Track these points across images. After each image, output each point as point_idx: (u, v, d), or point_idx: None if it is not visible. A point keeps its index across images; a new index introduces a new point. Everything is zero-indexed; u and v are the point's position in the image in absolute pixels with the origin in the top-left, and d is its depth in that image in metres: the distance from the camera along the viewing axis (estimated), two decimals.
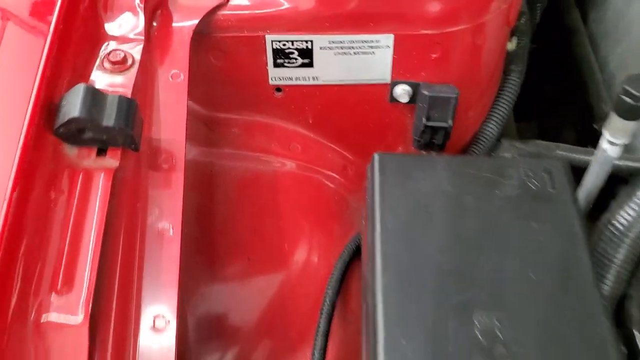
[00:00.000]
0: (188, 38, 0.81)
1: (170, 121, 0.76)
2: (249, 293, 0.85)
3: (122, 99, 0.67)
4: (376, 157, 0.77)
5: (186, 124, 0.76)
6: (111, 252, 0.67)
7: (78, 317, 0.60)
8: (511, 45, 1.02)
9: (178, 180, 0.73)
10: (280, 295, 0.87)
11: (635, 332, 0.87)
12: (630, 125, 0.82)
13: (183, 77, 0.78)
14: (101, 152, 0.69)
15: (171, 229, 0.71)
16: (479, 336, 0.60)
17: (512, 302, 0.63)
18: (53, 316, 0.60)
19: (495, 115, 0.99)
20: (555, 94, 1.47)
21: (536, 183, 0.73)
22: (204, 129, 0.92)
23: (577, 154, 1.01)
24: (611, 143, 0.85)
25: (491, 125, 0.99)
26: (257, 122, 0.94)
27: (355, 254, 0.90)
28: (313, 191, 0.93)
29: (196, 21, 0.82)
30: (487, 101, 0.99)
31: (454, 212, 0.71)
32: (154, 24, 0.83)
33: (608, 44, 1.23)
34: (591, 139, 1.17)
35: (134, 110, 0.68)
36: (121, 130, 0.67)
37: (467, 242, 0.68)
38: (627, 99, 0.78)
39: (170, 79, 0.78)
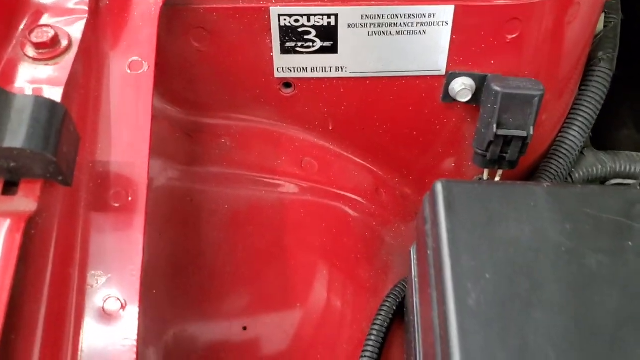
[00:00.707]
0: (156, 9, 0.55)
1: (127, 135, 0.50)
2: None
3: (39, 102, 0.41)
4: (439, 186, 0.51)
5: (152, 137, 0.50)
6: (22, 346, 0.41)
7: None
8: (599, 26, 0.76)
9: (136, 225, 0.48)
10: None
11: None
12: None
13: (147, 68, 0.52)
14: (10, 187, 0.43)
15: (124, 306, 0.45)
16: None
17: None
18: None
19: (580, 118, 0.74)
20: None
21: None
22: (183, 140, 0.66)
23: None
24: None
25: (574, 133, 0.74)
26: (256, 130, 0.68)
27: (397, 314, 0.65)
28: (334, 225, 0.67)
29: None
30: (568, 100, 0.74)
31: (571, 280, 0.45)
32: None
33: None
34: None
35: (61, 121, 0.42)
36: (37, 155, 0.41)
37: (597, 331, 0.43)
38: None
39: (128, 70, 0.52)
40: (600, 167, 0.77)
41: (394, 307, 0.64)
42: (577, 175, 0.76)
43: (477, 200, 0.49)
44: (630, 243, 0.47)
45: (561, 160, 0.73)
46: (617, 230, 0.47)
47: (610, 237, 0.47)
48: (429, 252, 0.49)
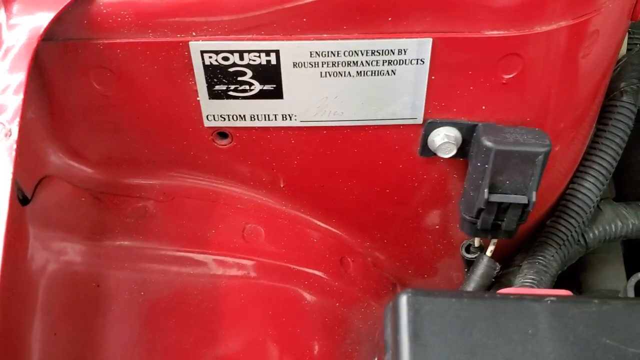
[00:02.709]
0: (27, 54, 0.41)
1: None
2: None
3: None
4: (403, 301, 0.37)
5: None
6: None
7: None
8: (621, 50, 0.62)
9: None
10: None
11: None
12: None
13: (9, 136, 0.38)
14: None
15: None
16: None
17: None
18: None
19: (595, 166, 0.60)
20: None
21: None
22: (89, 205, 0.52)
23: None
24: None
25: (588, 185, 0.60)
26: (186, 189, 0.54)
27: None
28: (284, 313, 0.53)
29: (50, 17, 0.42)
30: (580, 145, 0.59)
31: None
32: None
33: None
34: None
35: None
36: None
37: None
38: None
39: None
40: (620, 224, 0.62)
41: None
42: (591, 235, 0.62)
43: (454, 326, 0.36)
44: None
45: (572, 220, 0.59)
46: None
47: None
48: None
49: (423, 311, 0.36)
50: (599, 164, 0.60)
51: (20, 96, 0.40)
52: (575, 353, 0.35)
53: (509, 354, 0.35)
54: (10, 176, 0.38)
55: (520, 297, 0.37)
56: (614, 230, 0.62)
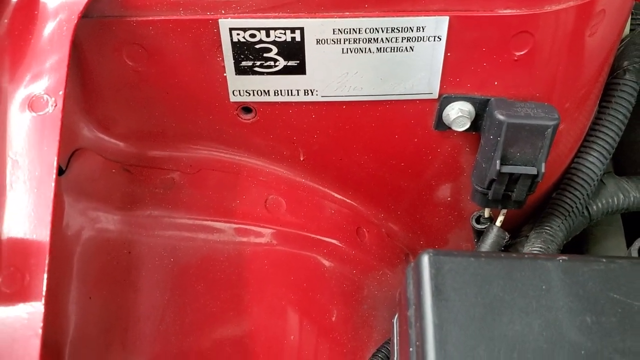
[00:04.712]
0: (68, 30, 0.43)
1: (24, 196, 0.39)
2: None
3: None
4: (424, 260, 0.40)
5: (55, 201, 0.39)
6: None
7: None
8: (625, 30, 0.64)
9: (33, 314, 0.37)
10: None
11: None
12: None
13: (53, 107, 0.41)
14: None
15: None
16: None
17: None
18: None
19: (599, 142, 0.62)
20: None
21: None
22: (120, 177, 0.54)
23: None
24: None
25: (592, 160, 0.62)
26: (211, 162, 0.57)
27: None
28: (305, 278, 0.56)
29: None
30: (585, 121, 0.62)
31: None
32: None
33: None
34: None
35: None
36: None
37: None
38: None
39: (30, 112, 0.41)
40: (622, 197, 0.65)
41: None
42: (595, 207, 0.64)
43: (473, 283, 0.39)
44: None
45: (577, 192, 0.62)
46: None
47: None
48: (411, 349, 0.38)
49: (444, 269, 0.39)
50: (602, 139, 0.63)
51: (64, 70, 0.42)
52: (585, 306, 0.38)
53: (524, 307, 0.38)
54: (57, 145, 0.40)
55: (535, 257, 0.40)
56: (616, 203, 0.65)
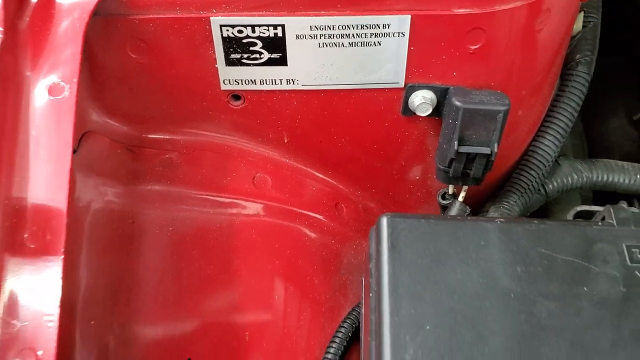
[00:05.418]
0: (81, 25, 0.50)
1: (45, 169, 0.46)
2: None
3: None
4: (384, 221, 0.47)
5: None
6: None
7: None
8: (576, 26, 0.71)
9: (53, 267, 0.44)
10: None
11: None
12: None
13: (69, 92, 0.48)
14: None
15: (39, 354, 0.42)
16: None
17: None
18: None
19: (553, 127, 0.70)
20: (614, 68, 1.17)
21: None
22: (124, 156, 0.62)
23: None
24: None
25: (547, 143, 0.69)
26: (205, 144, 0.64)
27: (354, 338, 0.62)
28: (290, 248, 0.63)
29: None
30: (541, 108, 0.69)
31: (517, 330, 0.41)
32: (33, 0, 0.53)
33: None
34: None
35: None
36: None
37: None
38: None
39: (49, 96, 0.48)
40: (576, 177, 0.73)
41: (349, 333, 0.61)
42: (551, 186, 0.72)
43: (423, 239, 0.46)
44: (585, 289, 0.43)
45: (533, 172, 0.69)
46: (573, 274, 0.44)
47: (564, 282, 0.44)
48: (371, 294, 0.46)
49: (398, 228, 0.46)
50: (556, 124, 0.70)
51: (77, 60, 0.49)
52: (517, 259, 0.45)
53: (464, 259, 0.45)
54: (73, 123, 0.47)
55: (476, 219, 0.47)
56: (570, 182, 0.72)
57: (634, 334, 0.42)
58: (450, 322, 0.42)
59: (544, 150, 0.69)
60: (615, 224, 0.47)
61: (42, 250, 0.45)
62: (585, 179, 0.73)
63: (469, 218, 0.49)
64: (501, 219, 0.47)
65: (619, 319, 0.42)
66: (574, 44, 0.72)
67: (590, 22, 0.73)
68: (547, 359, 0.41)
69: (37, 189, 0.46)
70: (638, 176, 0.72)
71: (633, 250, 0.45)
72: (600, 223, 0.48)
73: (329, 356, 0.59)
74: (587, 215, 0.63)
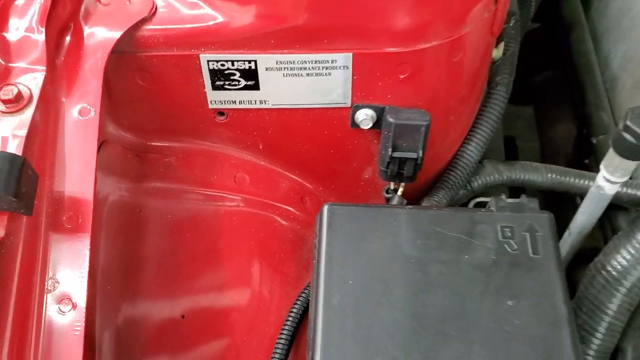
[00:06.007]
0: (102, 62, 0.68)
1: (77, 170, 0.63)
2: (184, 355, 0.74)
3: (4, 158, 0.55)
4: (325, 209, 0.64)
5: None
6: None
7: None
8: (497, 53, 0.88)
9: (84, 241, 0.61)
10: (224, 354, 0.76)
11: None
12: (631, 164, 0.69)
13: (94, 114, 0.65)
14: None
15: (74, 302, 0.59)
16: None
17: None
18: None
19: (477, 136, 0.86)
20: (552, 83, 1.34)
21: (514, 245, 0.61)
22: (133, 160, 0.79)
23: (571, 179, 0.89)
24: (609, 181, 0.73)
25: (471, 148, 0.86)
26: (196, 150, 0.81)
27: (307, 309, 0.79)
28: (264, 231, 0.81)
29: (114, 39, 0.69)
30: (466, 121, 0.86)
31: (413, 284, 0.59)
32: (67, 40, 0.70)
33: (610, 41, 1.09)
34: (588, 152, 1.04)
35: (20, 170, 0.55)
36: (3, 199, 0.54)
37: (426, 325, 0.56)
38: (629, 138, 0.65)
39: (79, 116, 0.65)
40: (497, 175, 0.89)
41: (309, 298, 0.78)
42: (476, 183, 0.89)
43: (352, 221, 0.63)
44: (466, 256, 0.60)
45: (459, 172, 0.86)
46: (458, 246, 0.61)
47: (451, 251, 0.61)
48: (314, 261, 0.63)
49: (335, 213, 0.63)
50: (479, 134, 0.86)
51: (99, 90, 0.66)
52: (418, 234, 0.62)
53: (380, 235, 0.62)
54: (97, 137, 0.64)
55: (391, 206, 0.64)
56: (492, 180, 0.89)
57: (498, 287, 0.58)
58: (367, 278, 0.59)
59: (468, 154, 0.86)
60: (495, 210, 0.64)
61: (75, 229, 0.62)
62: (505, 177, 0.89)
63: (387, 205, 0.66)
64: (410, 206, 0.64)
65: (488, 278, 0.59)
66: (495, 68, 0.89)
67: (509, 50, 0.90)
68: (435, 305, 0.57)
69: (71, 184, 0.63)
70: (548, 175, 0.89)
71: (505, 229, 0.62)
72: (484, 210, 0.65)
73: (292, 315, 0.76)
74: (483, 205, 0.80)
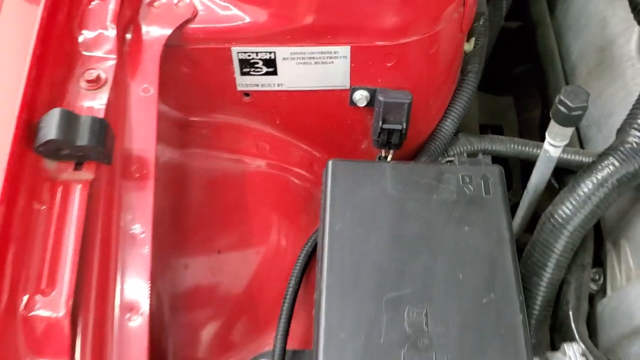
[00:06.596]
0: (158, 53, 0.88)
1: (142, 133, 0.84)
2: (221, 284, 0.94)
3: (94, 120, 0.75)
4: (330, 163, 0.84)
5: (157, 132, 0.83)
6: (89, 254, 0.76)
7: (60, 312, 0.69)
8: (468, 47, 1.08)
9: (149, 187, 0.81)
10: (250, 285, 0.96)
11: (570, 314, 0.96)
12: (568, 130, 0.89)
13: (153, 92, 0.86)
14: (78, 165, 0.77)
15: (143, 232, 0.79)
16: (407, 329, 0.69)
17: (440, 298, 0.72)
18: (39, 311, 0.69)
19: (452, 114, 1.06)
20: (528, 75, 1.54)
21: (472, 189, 0.80)
22: (177, 131, 0.99)
23: (528, 148, 1.09)
24: (552, 145, 0.93)
25: (447, 124, 1.06)
26: (226, 123, 1.02)
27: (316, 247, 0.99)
28: (281, 188, 1.01)
29: (166, 35, 0.89)
30: (443, 101, 1.06)
31: (395, 216, 0.79)
32: (128, 36, 0.90)
33: (570, 36, 1.29)
34: None
35: (105, 129, 0.76)
36: (94, 148, 0.75)
37: (404, 243, 0.76)
38: (563, 109, 0.85)
39: (142, 94, 0.86)
40: (469, 146, 1.09)
41: (316, 240, 0.98)
42: (452, 152, 1.08)
43: (351, 172, 0.83)
44: (434, 196, 0.80)
45: (437, 143, 1.06)
46: (429, 188, 0.81)
47: (423, 192, 0.81)
48: (322, 202, 0.83)
49: (338, 167, 0.83)
50: (454, 111, 1.06)
51: (157, 75, 0.87)
52: (400, 180, 0.81)
53: (371, 182, 0.81)
54: (156, 109, 0.84)
55: (380, 162, 0.84)
56: (465, 150, 1.08)
57: (457, 218, 0.78)
58: (360, 212, 0.79)
59: (445, 128, 1.06)
60: (457, 164, 0.84)
61: (141, 178, 0.82)
62: (476, 147, 1.09)
63: (376, 162, 0.86)
64: (394, 162, 0.84)
65: (450, 211, 0.79)
66: (467, 59, 1.09)
67: (478, 44, 1.10)
68: (410, 230, 0.77)
69: (137, 144, 0.83)
70: (510, 145, 1.09)
71: (465, 177, 0.82)
72: (450, 164, 0.84)
73: (304, 251, 0.96)
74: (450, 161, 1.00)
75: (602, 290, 1.08)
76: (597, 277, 1.09)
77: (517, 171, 1.33)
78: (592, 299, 1.07)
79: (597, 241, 1.09)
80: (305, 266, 0.95)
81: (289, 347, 0.89)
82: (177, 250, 0.94)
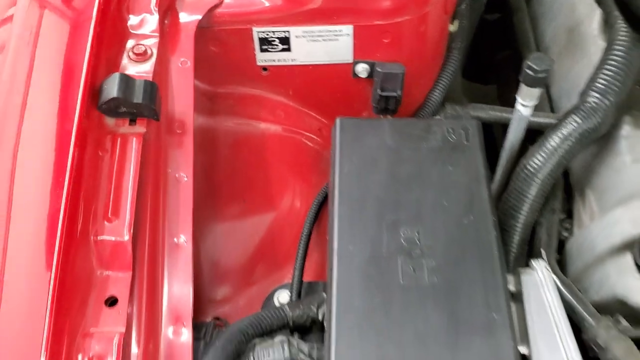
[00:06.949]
0: (192, 32, 1.05)
1: (181, 98, 1.01)
2: (246, 228, 1.12)
3: (146, 82, 0.92)
4: (338, 121, 1.02)
5: (194, 99, 1.01)
6: (144, 192, 0.93)
7: (124, 237, 0.86)
8: (453, 27, 1.26)
9: (189, 141, 0.99)
10: (270, 229, 1.14)
11: (542, 251, 1.13)
12: (535, 91, 1.07)
13: (190, 64, 1.03)
14: (132, 121, 0.94)
15: (185, 177, 0.96)
16: (403, 243, 0.86)
17: (429, 220, 0.89)
18: (107, 236, 0.86)
19: (440, 85, 1.23)
20: (509, 59, 1.71)
21: (455, 137, 0.98)
22: (207, 102, 1.17)
23: (505, 114, 1.26)
24: (523, 105, 1.10)
25: (436, 93, 1.23)
26: (248, 95, 1.19)
27: (326, 198, 1.16)
28: (295, 149, 1.19)
29: (199, 18, 1.07)
30: (432, 74, 1.23)
31: (392, 160, 0.96)
32: (166, 21, 1.08)
33: (544, 21, 1.47)
34: None
35: (155, 90, 0.93)
36: (146, 106, 0.92)
37: (400, 181, 0.94)
38: (530, 72, 1.02)
39: (180, 65, 1.03)
40: (454, 113, 1.27)
41: (325, 193, 1.15)
42: (438, 116, 1.26)
43: (356, 127, 1.00)
44: (424, 144, 0.98)
45: (427, 110, 1.23)
46: (419, 139, 0.98)
47: (415, 142, 0.98)
48: (332, 153, 1.00)
49: (345, 123, 1.01)
50: (442, 83, 1.23)
51: (192, 51, 1.04)
52: (399, 136, 0.98)
53: (373, 135, 0.98)
54: (192, 81, 1.02)
55: (381, 119, 1.01)
56: (450, 114, 1.26)
57: (443, 159, 0.95)
58: (364, 158, 0.95)
59: (434, 97, 1.23)
60: (444, 119, 1.01)
61: (182, 134, 0.99)
62: (461, 114, 1.27)
63: (376, 119, 1.03)
64: (392, 119, 1.01)
65: (437, 154, 0.96)
66: (452, 37, 1.26)
67: (462, 24, 1.27)
68: (405, 170, 0.94)
69: (179, 108, 1.00)
70: (490, 112, 1.26)
71: (449, 129, 0.99)
72: (437, 119, 1.02)
73: (316, 201, 1.13)
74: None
75: (572, 237, 1.25)
76: (568, 225, 1.26)
77: (500, 138, 1.49)
78: (563, 245, 1.24)
79: (568, 195, 1.26)
80: (316, 214, 1.12)
81: (305, 279, 1.07)
82: (210, 198, 1.12)
